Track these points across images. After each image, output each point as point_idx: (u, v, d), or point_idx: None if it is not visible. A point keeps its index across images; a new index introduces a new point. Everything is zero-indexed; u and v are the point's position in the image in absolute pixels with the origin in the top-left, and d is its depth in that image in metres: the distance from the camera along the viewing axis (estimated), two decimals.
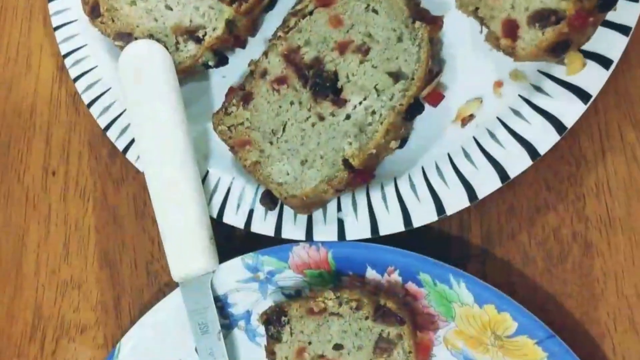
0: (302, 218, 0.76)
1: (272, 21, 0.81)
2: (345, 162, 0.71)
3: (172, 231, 0.77)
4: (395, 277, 0.73)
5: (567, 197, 0.74)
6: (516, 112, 0.71)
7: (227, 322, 0.79)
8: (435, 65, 0.74)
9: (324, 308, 0.72)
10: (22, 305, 0.87)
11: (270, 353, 0.74)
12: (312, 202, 0.73)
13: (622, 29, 0.69)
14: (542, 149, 0.69)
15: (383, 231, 0.73)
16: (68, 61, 0.85)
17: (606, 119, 0.74)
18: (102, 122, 0.82)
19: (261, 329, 0.77)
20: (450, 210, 0.71)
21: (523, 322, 0.69)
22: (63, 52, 0.85)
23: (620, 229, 0.73)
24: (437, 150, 0.74)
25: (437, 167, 0.73)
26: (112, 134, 0.82)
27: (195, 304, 0.77)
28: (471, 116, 0.73)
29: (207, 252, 0.76)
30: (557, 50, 0.64)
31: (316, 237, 0.75)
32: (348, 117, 0.72)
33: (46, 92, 0.91)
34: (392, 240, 0.73)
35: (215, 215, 0.78)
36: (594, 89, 0.69)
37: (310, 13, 0.76)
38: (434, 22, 0.72)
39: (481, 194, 0.70)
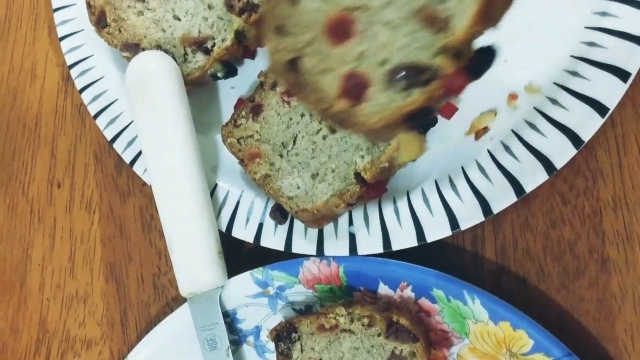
0: (313, 232, 0.74)
1: None
2: (357, 175, 0.70)
3: (180, 245, 0.75)
4: (408, 292, 0.72)
5: (583, 211, 0.73)
6: (531, 125, 0.70)
7: (236, 338, 0.78)
8: None
9: (335, 324, 0.71)
10: (27, 319, 0.86)
11: None
12: (323, 216, 0.72)
13: None
14: (559, 163, 0.68)
15: (395, 246, 0.72)
16: (74, 72, 0.84)
17: (623, 132, 0.73)
18: (109, 134, 0.81)
19: (270, 345, 0.76)
20: (464, 225, 0.70)
21: (539, 340, 0.68)
22: (69, 63, 0.84)
23: (638, 244, 0.71)
24: (451, 163, 0.72)
25: (451, 181, 0.71)
26: (119, 146, 0.81)
27: (204, 319, 0.76)
28: (485, 129, 0.72)
29: (215, 266, 0.75)
30: (418, 119, 0.49)
31: (327, 251, 0.73)
32: None
33: (51, 103, 0.89)
34: (405, 255, 0.72)
35: (224, 229, 0.77)
36: (611, 102, 0.67)
37: None
38: None
39: (496, 208, 0.69)
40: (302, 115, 0.73)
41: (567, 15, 0.71)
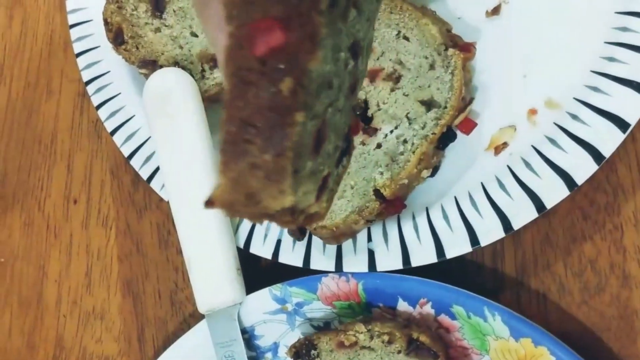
0: (332, 248, 0.74)
1: None
2: (377, 192, 0.70)
3: (199, 262, 0.75)
4: (428, 309, 0.72)
5: (604, 227, 0.72)
6: (552, 141, 0.69)
7: (254, 355, 0.78)
8: (467, 93, 0.72)
9: (355, 341, 0.70)
10: (43, 335, 0.86)
11: None
12: (342, 232, 0.71)
13: None
14: (580, 179, 0.67)
15: (415, 262, 0.71)
16: (90, 88, 0.84)
17: None
18: (126, 151, 0.81)
19: None
20: (484, 241, 0.69)
21: (561, 357, 0.67)
22: (85, 79, 0.84)
23: None
24: (470, 179, 0.72)
25: (471, 197, 0.71)
26: (136, 162, 0.80)
27: (222, 336, 0.75)
28: (505, 144, 0.72)
29: (234, 283, 0.75)
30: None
31: (346, 268, 0.73)
32: (379, 146, 0.71)
33: (67, 119, 0.89)
34: (423, 271, 0.72)
35: (242, 246, 0.77)
36: (632, 117, 0.67)
37: None
38: (467, 49, 0.71)
39: (517, 224, 0.68)
40: None
41: (586, 30, 0.71)
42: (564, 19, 0.72)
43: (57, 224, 0.88)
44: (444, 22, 0.73)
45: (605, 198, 0.72)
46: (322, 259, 0.74)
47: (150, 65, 0.78)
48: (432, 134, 0.69)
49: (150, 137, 0.80)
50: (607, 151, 0.67)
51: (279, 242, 0.76)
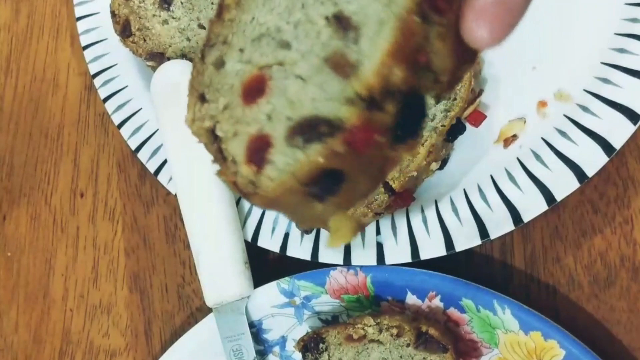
0: None
1: None
2: (386, 185, 0.69)
3: (206, 256, 0.75)
4: (437, 302, 0.71)
5: (614, 220, 0.72)
6: (562, 133, 0.69)
7: (262, 349, 0.77)
8: (476, 85, 0.72)
9: (363, 335, 0.70)
10: (50, 330, 0.85)
11: None
12: None
13: None
14: (590, 171, 0.67)
15: (424, 255, 0.71)
16: (97, 81, 0.83)
17: None
18: (133, 144, 0.81)
19: (296, 356, 0.75)
20: (494, 234, 0.69)
21: (571, 350, 0.67)
22: (92, 72, 0.84)
23: None
24: (479, 171, 0.72)
25: (480, 190, 0.71)
26: (143, 155, 0.80)
27: (230, 330, 0.75)
28: (514, 137, 0.71)
29: (242, 276, 0.74)
30: (323, 185, 0.38)
31: (354, 261, 0.73)
32: None
33: (74, 113, 0.89)
34: (432, 264, 0.71)
35: (249, 239, 0.76)
36: None
37: None
38: None
39: (526, 217, 0.68)
40: None
41: (596, 21, 0.70)
42: (574, 10, 0.72)
43: (63, 217, 0.87)
44: None
45: (615, 191, 0.72)
46: (330, 253, 0.74)
47: (157, 57, 0.77)
48: (441, 126, 0.69)
49: (157, 130, 0.80)
50: (617, 143, 0.67)
51: (286, 235, 0.76)
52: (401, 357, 0.69)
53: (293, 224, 0.75)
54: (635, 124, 0.66)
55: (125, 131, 0.81)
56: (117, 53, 0.83)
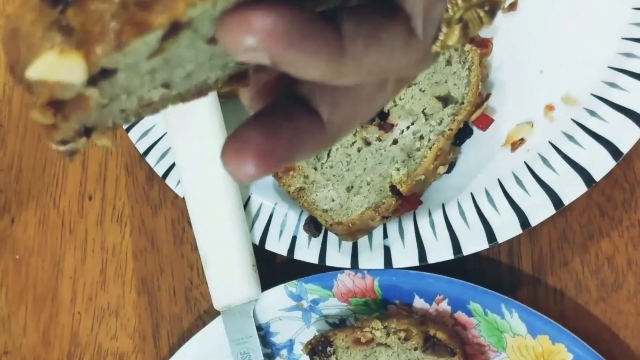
0: (347, 245, 0.74)
1: None
2: (393, 188, 0.70)
3: (214, 258, 0.75)
4: (444, 306, 0.71)
5: (621, 223, 0.72)
6: (569, 137, 0.69)
7: (269, 352, 0.78)
8: (484, 89, 0.72)
9: (371, 338, 0.70)
10: (59, 332, 0.86)
11: None
12: (358, 229, 0.71)
13: None
14: (598, 175, 0.67)
15: (431, 259, 0.71)
16: None
17: None
18: (141, 147, 0.81)
19: (304, 359, 0.76)
20: (501, 237, 0.69)
21: (579, 354, 0.67)
22: None
23: None
24: (487, 175, 0.72)
25: (487, 193, 0.71)
26: (151, 158, 0.80)
27: (238, 333, 0.75)
28: (522, 140, 0.71)
29: (249, 279, 0.75)
30: None
31: (362, 264, 0.73)
32: (395, 142, 0.71)
33: None
34: (440, 268, 0.72)
35: (257, 242, 0.77)
36: None
37: None
38: (484, 45, 0.71)
39: (534, 221, 0.68)
40: None
41: (603, 26, 0.70)
42: (580, 14, 0.72)
43: (72, 220, 0.88)
44: None
45: (622, 194, 0.72)
46: (337, 256, 0.74)
47: None
48: (448, 129, 0.69)
49: (165, 133, 0.80)
50: (624, 147, 0.67)
51: (294, 238, 0.76)
52: None
53: (301, 228, 0.75)
54: None
55: (133, 134, 0.82)
56: None
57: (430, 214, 0.72)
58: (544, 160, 0.70)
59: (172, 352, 0.79)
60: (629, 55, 0.69)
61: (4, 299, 0.88)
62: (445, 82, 0.70)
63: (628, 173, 0.72)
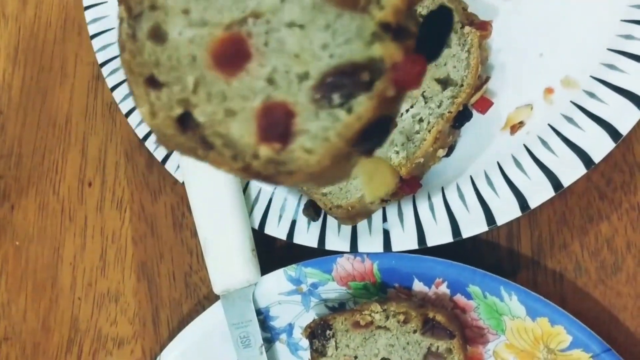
0: (347, 229, 0.74)
1: None
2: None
3: (214, 243, 0.75)
4: (444, 289, 0.71)
5: (620, 206, 0.72)
6: (569, 119, 0.69)
7: (269, 336, 0.78)
8: (483, 72, 0.72)
9: (370, 321, 0.70)
10: (59, 318, 0.86)
11: None
12: (358, 212, 0.71)
13: None
14: (597, 157, 0.67)
15: (430, 242, 0.71)
16: (105, 70, 0.84)
17: None
18: (141, 133, 0.81)
19: (303, 343, 0.76)
20: (500, 220, 0.69)
21: (578, 336, 0.67)
22: (100, 61, 0.84)
23: None
24: (486, 158, 0.72)
25: (487, 176, 0.71)
26: (150, 144, 0.80)
27: (237, 317, 0.75)
28: (521, 123, 0.71)
29: (249, 264, 0.75)
30: (375, 136, 0.34)
31: (361, 248, 0.73)
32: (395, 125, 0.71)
33: (81, 102, 0.90)
34: (439, 251, 0.71)
35: (256, 227, 0.77)
36: None
37: None
38: (484, 28, 0.70)
39: (533, 203, 0.68)
40: None
41: (603, 8, 0.70)
42: None
43: (71, 206, 0.88)
44: (460, 0, 0.72)
45: (621, 177, 0.72)
46: (337, 240, 0.74)
47: None
48: (448, 112, 0.69)
49: None
50: (624, 129, 0.67)
51: (293, 222, 0.76)
52: (408, 343, 0.69)
53: (300, 212, 0.75)
54: None
55: (133, 120, 0.82)
56: None
57: (429, 197, 0.72)
58: (544, 142, 0.70)
59: (171, 336, 0.79)
60: (628, 37, 0.69)
61: (4, 285, 0.88)
62: (445, 64, 0.70)
63: (627, 156, 0.72)
